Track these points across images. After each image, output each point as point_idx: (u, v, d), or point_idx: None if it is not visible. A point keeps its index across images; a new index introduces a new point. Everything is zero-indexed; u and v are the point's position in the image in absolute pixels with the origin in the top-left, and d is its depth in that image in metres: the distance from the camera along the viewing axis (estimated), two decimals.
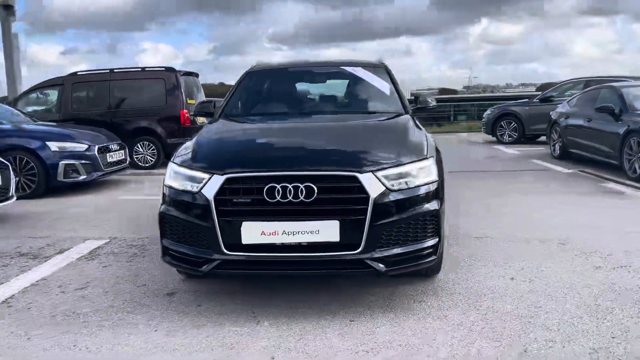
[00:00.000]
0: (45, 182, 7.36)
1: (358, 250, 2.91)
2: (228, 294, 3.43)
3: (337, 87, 4.57)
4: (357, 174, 2.93)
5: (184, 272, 3.51)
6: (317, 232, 2.88)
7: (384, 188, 2.95)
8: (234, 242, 2.93)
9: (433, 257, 3.12)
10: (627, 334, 2.76)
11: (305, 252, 2.92)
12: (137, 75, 10.59)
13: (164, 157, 10.06)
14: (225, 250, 2.95)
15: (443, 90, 49.84)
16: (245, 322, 3.01)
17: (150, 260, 4.22)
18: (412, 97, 4.51)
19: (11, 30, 14.16)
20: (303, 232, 2.88)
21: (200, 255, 3.04)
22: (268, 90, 4.59)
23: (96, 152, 7.67)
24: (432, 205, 3.10)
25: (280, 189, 2.88)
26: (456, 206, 5.94)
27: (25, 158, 7.32)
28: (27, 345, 2.82)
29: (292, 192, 2.87)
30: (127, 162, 8.72)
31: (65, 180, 7.41)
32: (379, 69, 4.57)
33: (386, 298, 3.32)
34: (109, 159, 7.99)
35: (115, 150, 8.22)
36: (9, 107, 9.26)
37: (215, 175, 3.00)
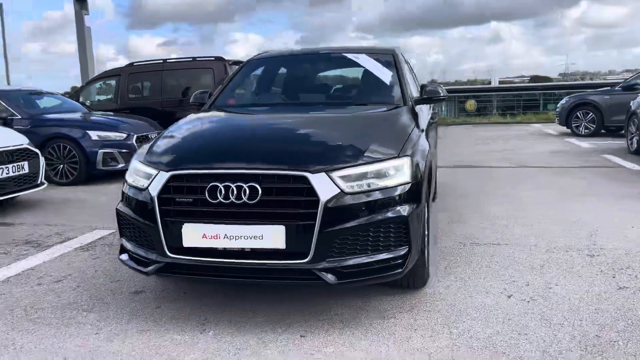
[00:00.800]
0: (86, 170, 7.60)
1: (306, 260, 2.60)
2: (193, 297, 3.24)
3: (334, 76, 4.23)
4: (307, 174, 2.60)
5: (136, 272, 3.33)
6: (260, 237, 2.60)
7: (338, 190, 2.61)
8: (176, 244, 2.73)
9: (399, 270, 2.74)
10: None
11: (248, 258, 2.65)
12: (188, 65, 10.71)
13: None
14: (168, 253, 2.75)
15: (535, 78, 47.06)
16: (190, 330, 2.81)
17: None
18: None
19: (84, 24, 14.89)
20: (246, 237, 2.61)
21: (147, 256, 2.87)
22: (263, 79, 4.33)
23: (134, 141, 7.80)
24: (400, 211, 2.71)
25: (222, 189, 2.63)
26: (481, 206, 5.41)
27: (68, 146, 7.59)
28: None
29: (235, 192, 2.61)
30: None
31: (103, 168, 7.61)
32: (386, 56, 4.17)
33: (354, 311, 2.98)
34: None
35: None
36: (64, 98, 9.68)
37: (160, 172, 2.80)
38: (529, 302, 3.04)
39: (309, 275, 2.62)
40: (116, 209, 3.10)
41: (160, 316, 2.99)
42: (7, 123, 7.83)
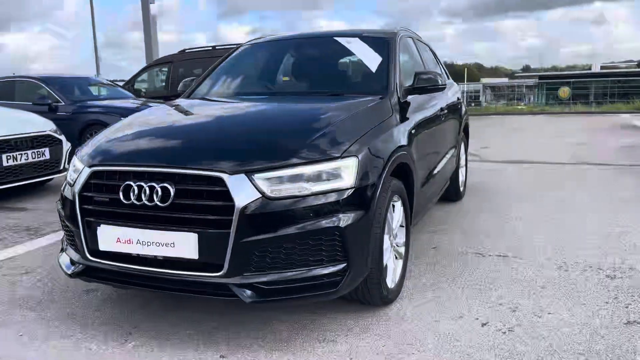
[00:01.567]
0: None
1: (220, 273, 2.28)
2: (137, 302, 3.01)
3: (318, 63, 3.81)
4: (224, 175, 2.27)
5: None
6: (172, 245, 2.31)
7: (259, 195, 2.26)
8: (95, 247, 2.51)
9: (332, 290, 2.35)
10: None
11: (162, 267, 2.38)
12: None
13: None
14: (88, 255, 2.54)
15: None
16: (113, 339, 2.58)
17: None
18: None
19: (149, 12, 15.28)
20: (157, 244, 2.34)
21: (72, 258, 2.68)
22: (244, 67, 4.00)
23: None
24: (336, 221, 2.32)
25: (136, 189, 2.37)
26: (508, 208, 4.81)
27: None
28: None
29: (148, 193, 2.34)
30: None
31: None
32: (381, 40, 3.71)
33: (295, 329, 2.63)
34: None
35: None
36: (114, 85, 9.91)
37: (85, 168, 2.59)
38: (504, 333, 2.54)
39: (223, 290, 2.31)
40: (57, 204, 2.94)
41: (93, 320, 2.81)
42: (52, 109, 8.12)
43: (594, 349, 2.37)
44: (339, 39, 3.74)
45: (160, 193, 2.31)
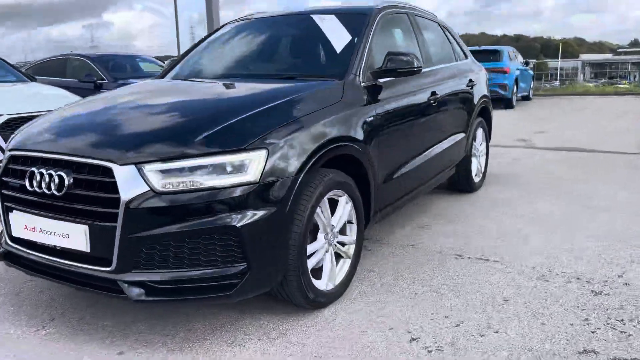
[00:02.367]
0: None
1: (109, 268, 2.17)
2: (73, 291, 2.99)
3: (286, 44, 3.55)
4: (114, 166, 2.15)
5: None
6: (67, 236, 2.24)
7: (148, 188, 2.11)
8: (10, 232, 2.50)
9: (228, 293, 2.18)
10: None
11: (61, 258, 2.31)
12: None
13: None
14: (7, 240, 2.54)
15: None
16: (35, 324, 2.57)
17: None
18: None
19: None
20: (56, 234, 2.27)
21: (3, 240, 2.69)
22: (219, 47, 3.80)
23: None
24: (234, 220, 2.13)
25: (38, 176, 2.31)
26: (517, 203, 4.35)
27: None
28: None
29: (47, 180, 2.27)
30: None
31: None
32: (359, 17, 3.40)
33: (212, 328, 2.49)
34: None
35: None
36: (162, 63, 10.13)
37: (7, 152, 2.57)
38: (429, 352, 2.26)
39: (113, 286, 2.20)
40: None
41: (28, 303, 2.82)
42: (97, 86, 8.42)
43: None
44: (315, 17, 3.46)
45: (57, 181, 2.24)
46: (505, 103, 13.38)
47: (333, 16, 3.42)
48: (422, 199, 4.66)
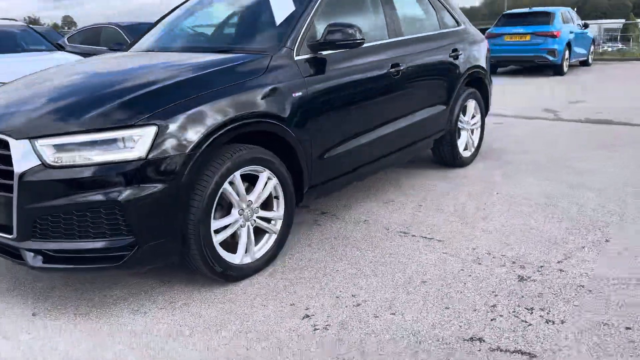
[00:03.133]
0: None
1: (12, 236, 2.32)
2: None
3: (235, 16, 3.51)
4: (10, 139, 2.27)
5: None
6: None
7: (39, 162, 2.22)
8: None
9: (116, 264, 2.28)
10: None
11: None
12: None
13: None
14: None
15: None
16: None
17: None
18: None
19: None
20: None
21: None
22: (181, 18, 3.81)
23: None
24: (119, 194, 2.21)
25: None
26: (512, 179, 4.17)
27: None
28: None
29: None
30: None
31: None
32: None
33: (125, 296, 2.61)
34: None
35: None
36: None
37: None
38: (315, 330, 2.27)
39: (17, 252, 2.36)
40: None
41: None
42: None
43: None
44: None
45: None
46: (555, 69, 12.60)
47: None
48: (400, 173, 4.57)
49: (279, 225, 2.88)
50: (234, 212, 2.64)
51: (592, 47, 15.66)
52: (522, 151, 5.26)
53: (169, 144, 2.29)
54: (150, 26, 3.96)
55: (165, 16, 3.99)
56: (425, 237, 3.20)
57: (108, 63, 3.30)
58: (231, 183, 2.57)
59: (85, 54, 7.70)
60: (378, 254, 2.99)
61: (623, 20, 32.58)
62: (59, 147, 2.23)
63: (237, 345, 2.18)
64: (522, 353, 2.06)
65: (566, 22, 13.21)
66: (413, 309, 2.41)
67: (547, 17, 12.69)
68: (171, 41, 3.53)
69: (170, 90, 2.46)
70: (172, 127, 2.31)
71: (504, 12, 13.36)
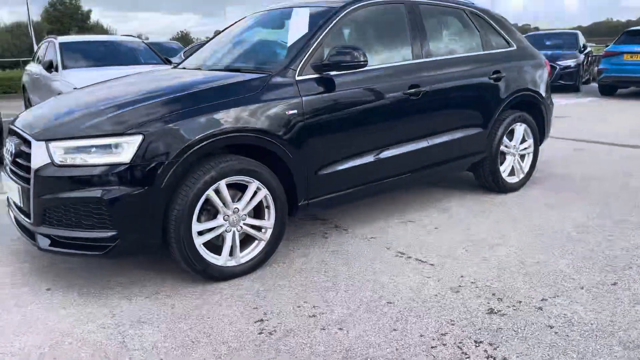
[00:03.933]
0: None
1: (30, 221, 2.79)
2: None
3: (258, 38, 3.74)
4: (32, 140, 2.75)
5: None
6: (14, 191, 2.92)
7: (49, 161, 2.66)
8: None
9: (101, 252, 2.65)
10: None
11: (18, 210, 3.00)
12: None
13: None
14: None
15: None
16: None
17: None
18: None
19: None
20: (12, 191, 2.98)
21: None
22: (223, 38, 4.14)
23: None
24: (105, 193, 2.57)
25: (7, 143, 3.04)
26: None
27: None
28: None
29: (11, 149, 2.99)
30: None
31: None
32: (319, 12, 3.47)
33: (121, 283, 2.97)
34: None
35: None
36: None
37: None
38: (260, 333, 2.43)
39: (32, 235, 2.82)
40: None
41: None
42: None
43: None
44: (293, 11, 3.64)
45: (12, 150, 2.93)
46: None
47: (307, 10, 3.54)
48: (435, 193, 4.52)
49: (268, 233, 3.07)
50: (219, 217, 2.89)
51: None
52: (585, 178, 4.90)
53: (153, 151, 2.61)
54: (200, 45, 4.38)
55: (214, 36, 4.39)
56: (419, 260, 3.20)
57: (131, 79, 3.75)
58: (217, 191, 2.83)
59: None
60: (361, 271, 3.05)
61: None
62: (66, 150, 2.66)
63: (189, 336, 2.41)
64: None
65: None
66: (361, 327, 2.47)
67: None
68: (202, 61, 3.90)
69: (164, 104, 2.79)
70: (158, 137, 2.62)
71: (627, 29, 12.19)
